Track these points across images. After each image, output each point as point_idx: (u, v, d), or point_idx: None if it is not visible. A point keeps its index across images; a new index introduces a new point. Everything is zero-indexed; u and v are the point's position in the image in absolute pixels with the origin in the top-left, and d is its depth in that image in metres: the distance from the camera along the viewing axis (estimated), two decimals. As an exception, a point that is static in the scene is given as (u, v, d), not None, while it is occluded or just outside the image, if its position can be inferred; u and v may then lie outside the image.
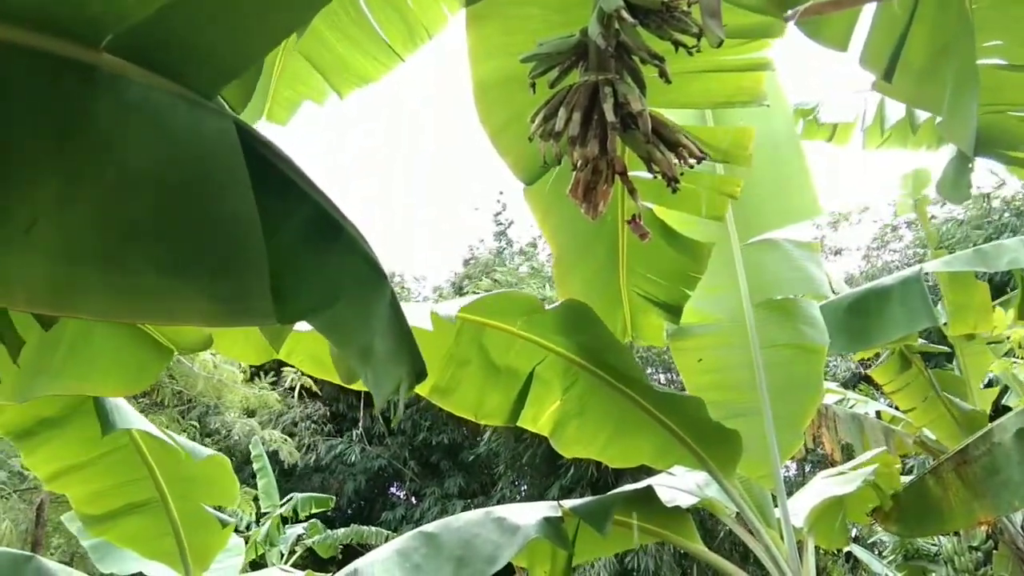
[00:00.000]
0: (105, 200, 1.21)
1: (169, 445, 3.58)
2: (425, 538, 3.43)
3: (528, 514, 3.51)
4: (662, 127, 1.94)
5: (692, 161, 1.99)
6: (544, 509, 3.60)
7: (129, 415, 3.41)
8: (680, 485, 4.31)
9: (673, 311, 3.80)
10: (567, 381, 3.84)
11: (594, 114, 1.84)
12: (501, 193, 20.83)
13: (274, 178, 1.38)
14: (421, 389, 3.79)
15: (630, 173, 2.07)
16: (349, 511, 17.67)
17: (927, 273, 4.79)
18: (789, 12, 2.19)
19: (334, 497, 12.76)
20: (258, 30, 1.33)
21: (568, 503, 3.66)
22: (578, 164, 1.94)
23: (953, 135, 2.78)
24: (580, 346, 3.69)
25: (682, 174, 1.95)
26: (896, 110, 4.86)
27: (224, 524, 3.99)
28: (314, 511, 11.83)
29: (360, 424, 17.37)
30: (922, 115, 4.66)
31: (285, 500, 11.66)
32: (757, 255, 4.43)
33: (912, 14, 2.47)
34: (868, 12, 2.51)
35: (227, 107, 1.36)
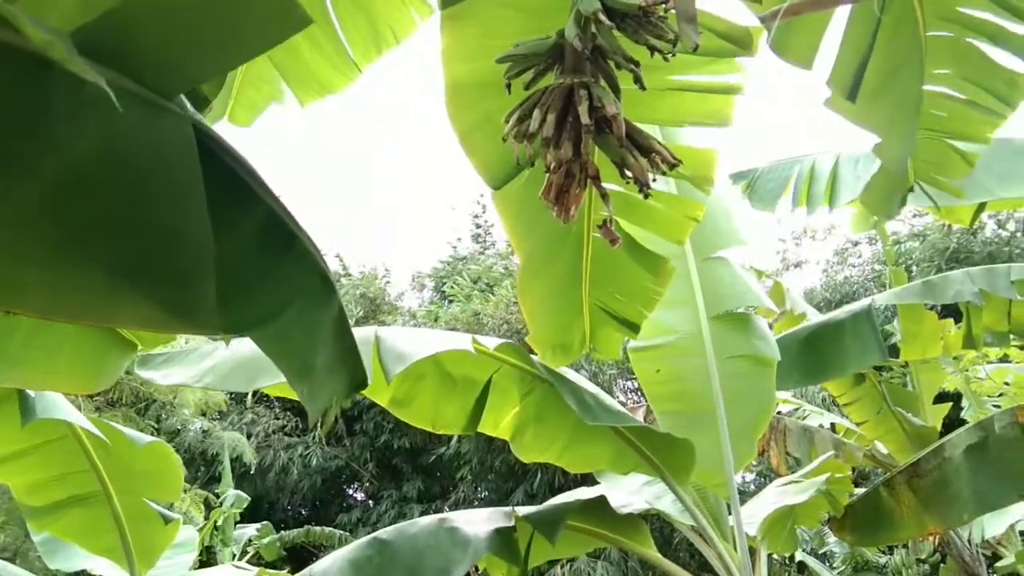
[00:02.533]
0: (52, 197, 1.18)
1: (109, 436, 3.49)
2: (379, 546, 3.42)
3: (482, 524, 3.52)
4: (636, 132, 1.94)
5: (664, 168, 1.98)
6: (498, 518, 3.60)
7: (54, 404, 3.29)
8: (635, 492, 4.34)
9: (632, 327, 3.82)
10: (524, 388, 3.87)
11: (568, 116, 1.84)
12: (482, 195, 20.73)
13: (230, 183, 1.35)
14: (380, 399, 3.80)
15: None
16: (303, 511, 17.49)
17: (879, 305, 4.91)
18: (768, 13, 2.20)
19: (248, 498, 12.59)
20: (227, 46, 1.31)
21: (523, 510, 3.66)
22: (551, 166, 1.93)
23: (887, 153, 2.85)
24: (531, 364, 3.72)
25: (655, 180, 1.95)
26: (821, 179, 4.87)
27: (167, 520, 3.91)
28: (239, 509, 11.75)
29: (320, 424, 17.19)
30: (843, 193, 4.70)
31: (222, 500, 11.58)
32: (711, 270, 4.56)
33: (874, 36, 2.52)
34: (836, 32, 2.56)
35: (188, 106, 1.32)
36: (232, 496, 11.51)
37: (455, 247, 20.91)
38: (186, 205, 1.24)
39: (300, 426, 17.36)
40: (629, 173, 1.91)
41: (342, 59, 2.92)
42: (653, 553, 4.19)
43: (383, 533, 3.51)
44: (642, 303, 3.69)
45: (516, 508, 3.69)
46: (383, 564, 3.28)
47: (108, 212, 1.21)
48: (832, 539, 10.60)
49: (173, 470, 3.87)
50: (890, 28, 2.51)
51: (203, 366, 2.98)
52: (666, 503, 4.23)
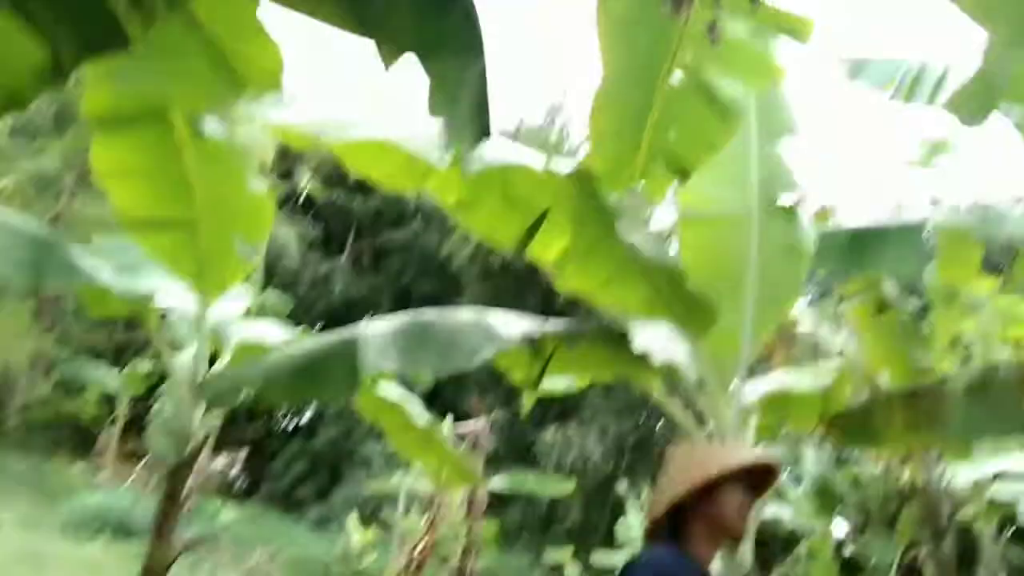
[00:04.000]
0: None
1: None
2: (423, 323, 3.76)
3: (513, 324, 3.82)
4: None
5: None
6: (528, 323, 3.92)
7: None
8: (656, 339, 4.62)
9: (683, 172, 3.99)
10: (580, 221, 4.08)
11: None
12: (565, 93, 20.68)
13: None
14: (447, 197, 4.02)
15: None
16: (322, 325, 18.21)
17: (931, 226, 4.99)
18: None
19: (290, 306, 12.84)
20: None
21: (551, 323, 4.00)
22: None
23: (992, 54, 2.89)
24: (591, 196, 3.92)
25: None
26: (931, 76, 4.89)
27: (246, 258, 4.20)
28: (275, 311, 12.09)
29: (347, 250, 17.67)
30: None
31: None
32: (770, 155, 4.70)
33: None
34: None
35: None
36: (274, 295, 11.89)
37: (518, 128, 20.96)
38: None
39: (329, 249, 17.79)
40: None
41: None
42: (659, 396, 4.56)
43: (427, 313, 3.87)
44: (704, 148, 3.85)
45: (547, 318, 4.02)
46: (424, 338, 3.63)
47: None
48: (809, 456, 11.14)
49: (267, 217, 4.18)
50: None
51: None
52: (679, 353, 4.50)
